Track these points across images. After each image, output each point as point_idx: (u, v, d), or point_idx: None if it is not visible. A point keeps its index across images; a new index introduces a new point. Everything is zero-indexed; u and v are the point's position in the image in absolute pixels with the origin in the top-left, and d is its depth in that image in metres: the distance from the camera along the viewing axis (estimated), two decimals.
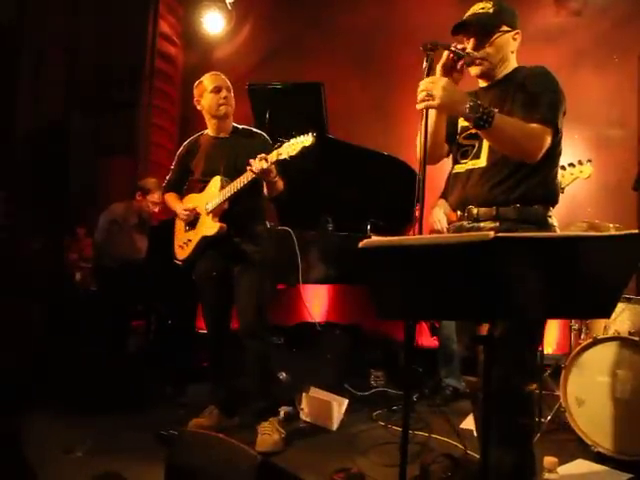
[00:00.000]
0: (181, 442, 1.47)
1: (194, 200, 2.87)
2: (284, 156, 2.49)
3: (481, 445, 1.20)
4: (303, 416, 3.05)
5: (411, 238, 1.00)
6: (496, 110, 1.78)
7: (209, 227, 2.75)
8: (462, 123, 2.02)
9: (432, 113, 1.95)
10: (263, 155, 2.55)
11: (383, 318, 1.13)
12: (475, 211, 1.92)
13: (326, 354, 3.44)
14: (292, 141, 2.49)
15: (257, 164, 2.54)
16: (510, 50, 1.96)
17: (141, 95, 5.17)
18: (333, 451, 2.65)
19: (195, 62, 5.34)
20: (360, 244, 1.03)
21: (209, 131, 2.91)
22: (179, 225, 2.94)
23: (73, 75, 4.92)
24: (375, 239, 1.04)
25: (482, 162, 1.93)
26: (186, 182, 2.99)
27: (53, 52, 4.91)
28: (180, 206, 2.87)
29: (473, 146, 1.97)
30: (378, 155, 3.56)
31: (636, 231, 1.03)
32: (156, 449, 2.37)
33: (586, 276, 1.12)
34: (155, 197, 4.03)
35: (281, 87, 3.50)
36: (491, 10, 1.91)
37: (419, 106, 1.74)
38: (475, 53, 1.89)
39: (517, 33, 1.96)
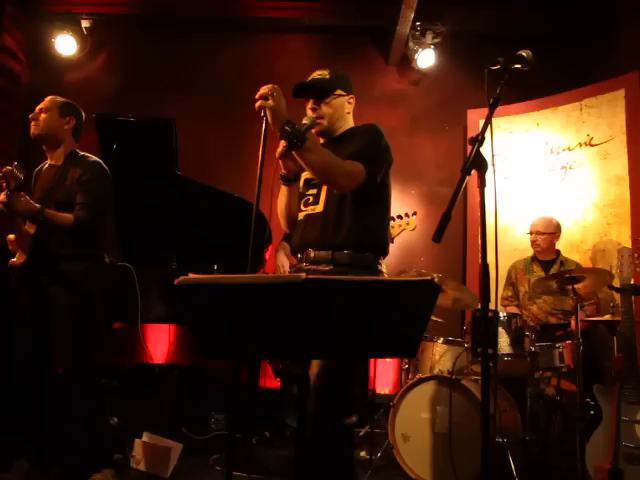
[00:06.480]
0: None
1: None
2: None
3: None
4: (134, 464, 2.87)
5: (227, 277, 1.02)
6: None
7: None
8: (305, 176, 2.16)
9: (284, 190, 2.12)
10: None
11: (203, 357, 1.14)
12: (312, 254, 2.03)
13: (163, 397, 3.30)
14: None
15: None
16: (346, 112, 2.18)
17: None
18: None
19: (42, 83, 4.99)
20: (175, 282, 1.04)
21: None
22: None
23: None
24: (191, 276, 1.06)
25: (320, 207, 2.07)
26: None
27: None
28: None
29: (313, 195, 2.12)
30: (229, 197, 3.59)
31: (428, 277, 1.17)
32: None
33: (391, 317, 1.24)
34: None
35: (131, 120, 3.41)
36: (328, 76, 2.14)
37: (257, 105, 1.87)
38: (310, 117, 2.07)
39: (351, 97, 2.19)
